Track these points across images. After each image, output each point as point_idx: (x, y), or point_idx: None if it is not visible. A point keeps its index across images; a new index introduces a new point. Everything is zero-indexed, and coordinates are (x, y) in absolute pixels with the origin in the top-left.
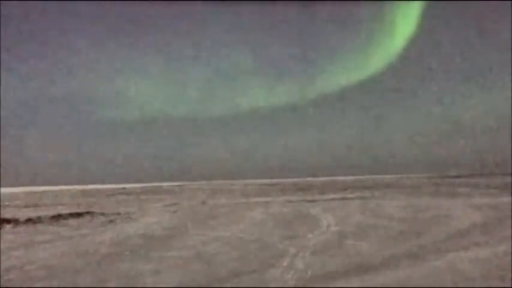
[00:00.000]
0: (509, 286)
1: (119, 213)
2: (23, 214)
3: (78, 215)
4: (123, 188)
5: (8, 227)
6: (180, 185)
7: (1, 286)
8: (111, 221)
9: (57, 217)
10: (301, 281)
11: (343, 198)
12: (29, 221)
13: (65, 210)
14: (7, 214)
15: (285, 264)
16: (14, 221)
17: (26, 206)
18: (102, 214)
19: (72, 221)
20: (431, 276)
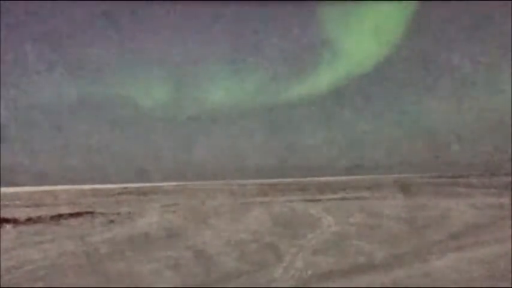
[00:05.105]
0: (509, 286)
1: (119, 213)
2: (23, 214)
3: (78, 215)
4: (123, 188)
5: (8, 226)
6: (180, 185)
7: (1, 286)
8: (111, 221)
9: (57, 217)
10: (301, 281)
11: (343, 198)
12: (29, 220)
13: (65, 210)
14: (7, 214)
15: (285, 264)
16: (14, 221)
17: (26, 206)
18: (102, 214)
19: (72, 221)
20: (431, 276)
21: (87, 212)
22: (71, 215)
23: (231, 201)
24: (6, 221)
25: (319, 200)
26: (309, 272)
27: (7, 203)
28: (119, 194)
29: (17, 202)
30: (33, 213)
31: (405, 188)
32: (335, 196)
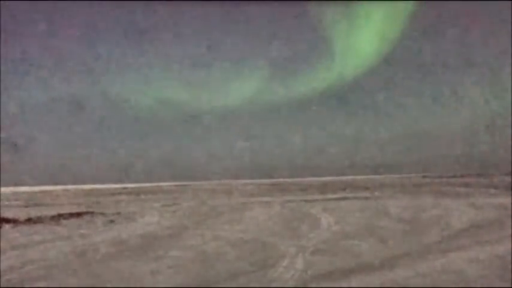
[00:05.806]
0: (509, 286)
1: (119, 213)
2: (23, 214)
3: (78, 215)
4: (123, 188)
5: (8, 226)
6: (180, 185)
7: (1, 286)
8: (111, 221)
9: (57, 217)
10: (301, 281)
11: (343, 198)
12: (29, 221)
13: (65, 210)
14: (7, 214)
15: (285, 264)
16: (14, 221)
17: (26, 206)
18: (102, 214)
19: (72, 221)
20: (431, 276)
21: (87, 212)
22: (71, 215)
23: (231, 201)
24: (6, 221)
25: (319, 200)
26: (309, 272)
27: (7, 203)
28: (119, 194)
29: (17, 202)
30: (33, 213)
31: (405, 188)
32: (335, 196)
